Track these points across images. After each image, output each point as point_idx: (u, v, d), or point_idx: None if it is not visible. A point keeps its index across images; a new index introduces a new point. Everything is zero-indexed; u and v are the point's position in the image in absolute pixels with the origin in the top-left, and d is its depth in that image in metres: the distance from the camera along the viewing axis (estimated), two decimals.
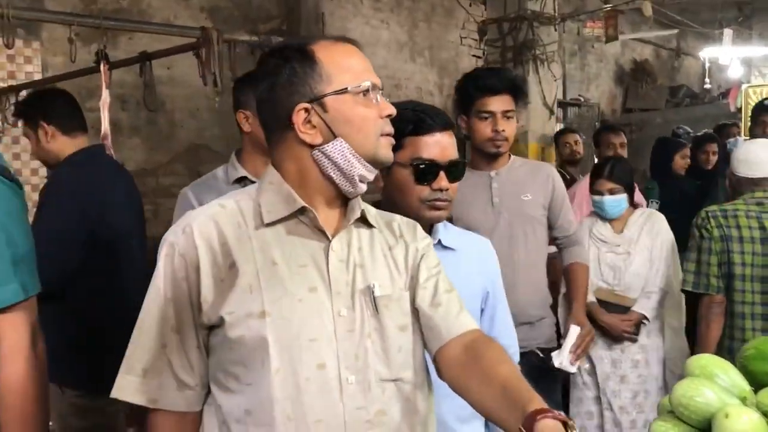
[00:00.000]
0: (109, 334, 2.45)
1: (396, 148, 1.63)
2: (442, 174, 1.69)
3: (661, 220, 3.35)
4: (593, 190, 3.32)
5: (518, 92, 2.58)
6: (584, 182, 3.98)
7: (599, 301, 3.23)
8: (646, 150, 6.10)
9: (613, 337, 3.19)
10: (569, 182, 4.51)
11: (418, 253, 1.41)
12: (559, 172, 3.22)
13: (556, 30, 5.33)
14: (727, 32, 7.26)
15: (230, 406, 1.24)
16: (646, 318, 3.20)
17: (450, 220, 2.26)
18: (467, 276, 1.78)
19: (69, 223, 2.37)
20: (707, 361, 1.53)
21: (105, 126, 3.19)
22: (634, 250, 3.26)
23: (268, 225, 1.27)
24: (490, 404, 1.22)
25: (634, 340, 3.19)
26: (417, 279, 1.38)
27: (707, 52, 7.80)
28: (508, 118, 2.53)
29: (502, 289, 1.92)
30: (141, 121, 5.06)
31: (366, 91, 1.27)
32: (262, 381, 1.21)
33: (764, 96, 7.52)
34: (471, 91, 2.54)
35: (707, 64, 7.93)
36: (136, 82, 4.21)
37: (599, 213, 3.34)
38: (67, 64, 3.84)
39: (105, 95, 3.27)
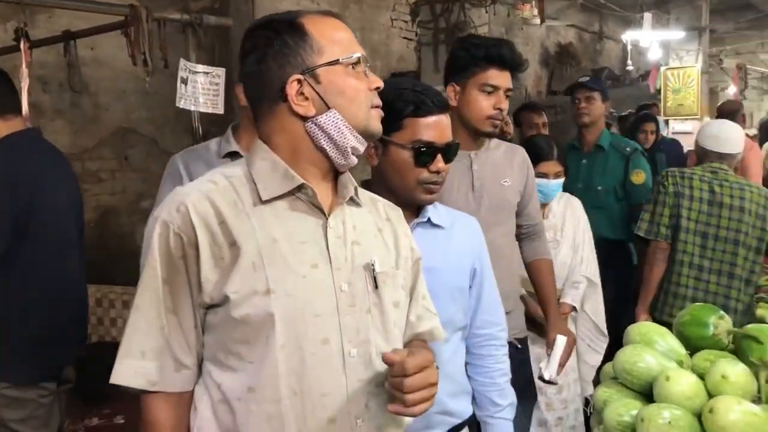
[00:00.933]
0: (35, 323, 2.37)
1: (395, 129, 1.64)
2: (439, 156, 1.69)
3: (579, 205, 3.28)
4: (537, 173, 3.07)
5: (519, 72, 2.37)
6: None
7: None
8: (571, 131, 6.28)
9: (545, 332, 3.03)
10: None
11: (413, 253, 1.46)
12: None
13: (486, 12, 5.40)
14: (647, 16, 7.53)
15: (231, 384, 1.24)
16: (575, 309, 3.14)
17: None
18: (456, 253, 1.81)
19: (1, 206, 2.26)
20: (647, 328, 1.61)
21: (24, 108, 3.04)
22: (560, 238, 3.18)
23: (266, 202, 1.27)
24: None
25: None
26: (413, 288, 1.45)
27: (628, 36, 8.06)
28: (507, 97, 2.32)
29: (490, 267, 1.94)
30: (65, 104, 4.85)
31: (356, 63, 1.28)
32: (266, 358, 1.22)
33: (682, 77, 7.86)
34: (475, 59, 2.27)
35: (628, 47, 8.20)
36: (59, 63, 4.02)
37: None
38: None
39: (25, 75, 3.11)
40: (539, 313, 2.87)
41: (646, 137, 5.58)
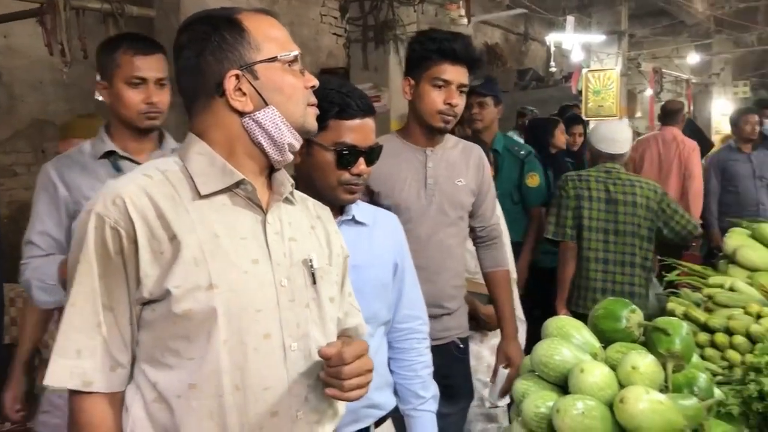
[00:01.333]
0: None
1: (319, 129, 1.65)
2: (362, 159, 1.71)
3: (497, 205, 3.24)
4: None
5: (475, 68, 2.33)
6: None
7: None
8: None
9: (489, 328, 3.05)
10: None
11: (343, 251, 1.48)
12: None
13: (415, 11, 5.45)
14: (570, 19, 7.75)
15: (169, 381, 1.23)
16: None
17: (372, 195, 2.26)
18: (380, 249, 1.84)
19: None
20: (563, 322, 1.66)
21: None
22: None
23: (204, 197, 1.26)
24: None
25: None
26: (342, 285, 1.47)
27: (552, 38, 8.28)
28: (461, 92, 2.29)
29: (411, 262, 1.97)
30: None
31: (293, 61, 1.30)
32: (208, 353, 1.22)
33: (603, 79, 8.13)
34: (428, 52, 2.25)
35: (552, 49, 8.42)
36: None
37: None
38: None
39: None
40: (487, 311, 2.92)
41: (575, 139, 5.74)
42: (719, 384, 1.77)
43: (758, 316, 2.13)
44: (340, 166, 1.69)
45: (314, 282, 1.35)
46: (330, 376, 1.25)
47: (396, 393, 1.94)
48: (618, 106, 8.05)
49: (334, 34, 6.31)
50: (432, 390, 1.98)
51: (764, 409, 1.43)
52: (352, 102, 1.69)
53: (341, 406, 1.42)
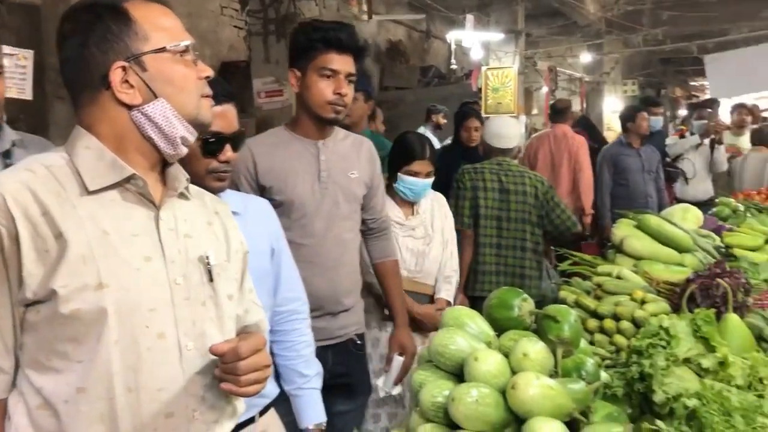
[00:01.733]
0: None
1: None
2: (228, 146, 1.70)
3: (444, 201, 3.32)
4: (407, 171, 3.05)
5: (361, 57, 2.30)
6: None
7: None
8: (401, 126, 6.47)
9: (427, 329, 3.03)
10: None
11: (242, 247, 1.46)
12: None
13: (317, 4, 5.42)
14: (469, 18, 7.93)
15: (56, 386, 1.17)
16: (449, 303, 3.12)
17: (263, 191, 2.21)
18: (255, 237, 1.80)
19: None
20: (459, 312, 1.70)
21: None
22: (432, 233, 3.16)
23: (92, 193, 1.21)
24: None
25: None
26: (241, 281, 1.45)
27: (453, 35, 8.44)
28: (350, 82, 2.26)
29: (285, 242, 1.97)
30: None
31: (184, 51, 1.26)
32: (98, 355, 1.17)
33: (501, 76, 8.36)
34: (313, 42, 2.21)
35: (453, 47, 8.59)
36: None
37: (405, 195, 3.09)
38: None
39: None
40: (420, 311, 2.97)
41: (470, 135, 5.86)
42: (607, 368, 1.85)
43: (642, 302, 2.26)
44: (207, 154, 1.68)
45: (211, 279, 1.32)
46: (225, 372, 1.24)
47: (279, 377, 1.94)
48: (516, 103, 8.28)
49: (235, 26, 6.18)
50: (315, 368, 1.99)
51: (645, 389, 1.51)
52: (212, 89, 1.69)
53: (240, 404, 1.41)
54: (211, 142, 1.67)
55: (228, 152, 1.70)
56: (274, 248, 1.91)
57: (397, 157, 3.10)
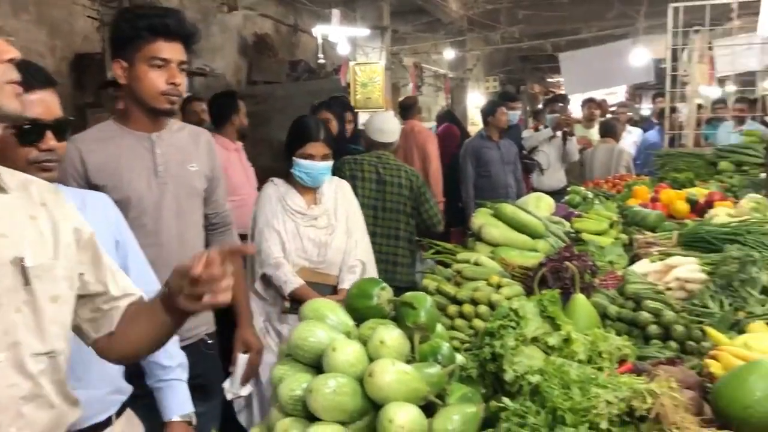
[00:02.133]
0: None
1: None
2: (49, 134, 1.60)
3: (349, 189, 3.26)
4: (302, 154, 2.96)
5: (191, 44, 2.20)
6: None
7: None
8: (273, 120, 6.40)
9: None
10: None
11: (81, 234, 1.36)
12: None
13: None
14: (335, 12, 7.94)
15: None
16: None
17: (96, 189, 2.08)
18: (98, 231, 1.71)
19: None
20: (319, 304, 1.70)
21: None
22: (335, 223, 3.07)
23: None
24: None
25: None
26: (97, 264, 1.39)
27: (320, 30, 8.42)
28: (182, 70, 2.17)
29: (132, 237, 1.90)
30: None
31: None
32: None
33: (369, 72, 8.45)
34: (138, 31, 2.09)
35: (320, 41, 8.57)
36: None
37: (303, 181, 3.01)
38: None
39: None
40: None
41: (344, 127, 5.93)
42: (466, 350, 1.93)
43: (498, 287, 2.36)
44: (25, 143, 1.58)
45: (28, 283, 1.21)
46: (204, 284, 1.22)
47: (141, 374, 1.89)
48: (384, 98, 8.42)
49: (90, 17, 5.85)
50: (178, 358, 1.94)
51: (496, 369, 1.58)
52: (26, 74, 1.60)
53: (73, 412, 1.31)
54: (27, 130, 1.56)
55: (51, 140, 1.60)
56: (118, 240, 1.84)
57: (292, 140, 3.02)
